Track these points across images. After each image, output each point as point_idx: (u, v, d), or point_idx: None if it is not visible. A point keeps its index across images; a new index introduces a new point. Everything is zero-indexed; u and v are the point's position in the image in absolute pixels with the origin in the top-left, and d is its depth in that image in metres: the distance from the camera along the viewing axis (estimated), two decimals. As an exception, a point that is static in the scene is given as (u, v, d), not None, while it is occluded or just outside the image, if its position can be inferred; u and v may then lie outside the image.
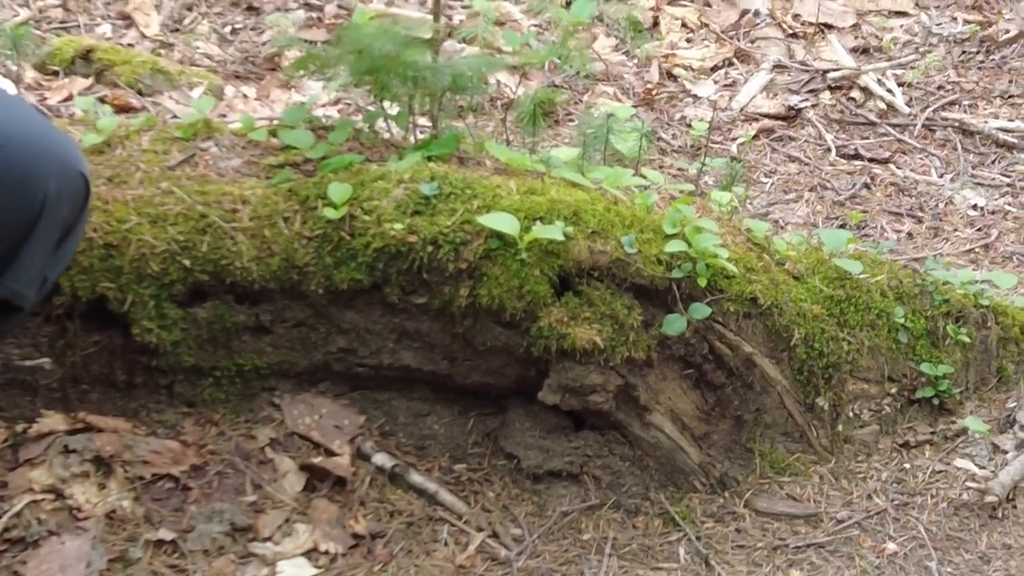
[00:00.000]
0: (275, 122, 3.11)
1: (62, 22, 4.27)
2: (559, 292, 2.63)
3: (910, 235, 3.70)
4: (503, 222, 2.57)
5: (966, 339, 2.98)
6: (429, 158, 2.83)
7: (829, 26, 4.77)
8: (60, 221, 2.09)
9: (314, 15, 4.52)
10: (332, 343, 2.70)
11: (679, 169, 3.78)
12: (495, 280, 2.60)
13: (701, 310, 2.66)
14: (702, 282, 2.67)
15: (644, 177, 3.05)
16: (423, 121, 3.10)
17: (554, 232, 2.58)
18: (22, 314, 2.15)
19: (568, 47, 3.02)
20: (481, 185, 2.67)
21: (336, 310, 2.67)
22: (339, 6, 4.57)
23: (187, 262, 2.58)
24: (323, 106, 3.88)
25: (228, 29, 4.41)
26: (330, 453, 2.68)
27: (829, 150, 4.08)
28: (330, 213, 2.61)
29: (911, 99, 4.37)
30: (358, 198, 2.64)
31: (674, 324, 2.66)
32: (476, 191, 2.65)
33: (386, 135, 3.03)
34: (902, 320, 2.91)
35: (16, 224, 2.04)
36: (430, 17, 3.18)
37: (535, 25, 4.46)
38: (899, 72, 4.51)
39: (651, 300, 2.68)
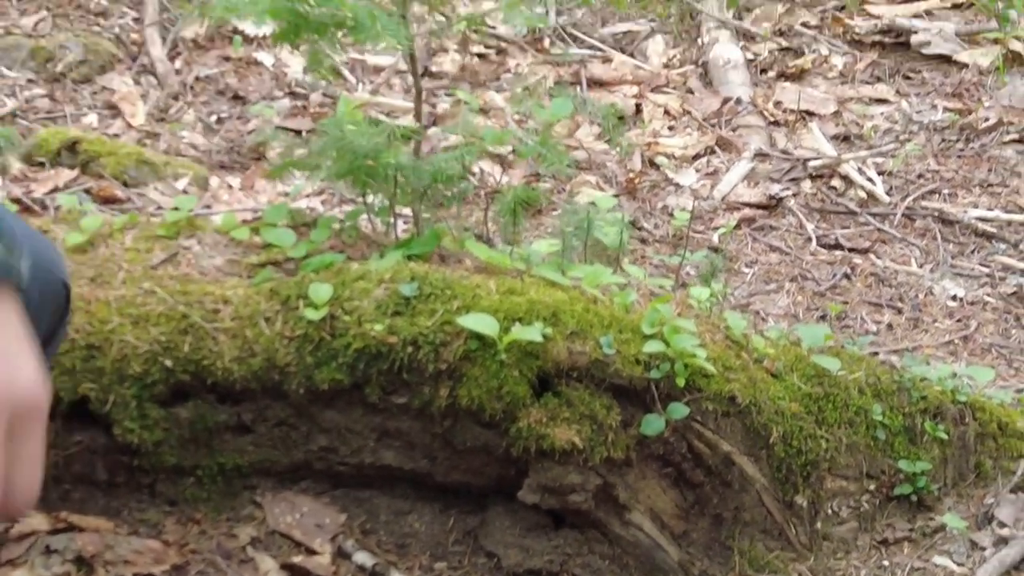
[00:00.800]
0: (258, 215, 3.14)
1: (48, 112, 4.31)
2: (538, 393, 2.65)
3: (890, 326, 3.73)
4: (483, 323, 2.59)
5: (944, 436, 3.00)
6: (410, 257, 2.85)
7: (811, 113, 4.81)
8: (42, 335, 1.87)
9: (299, 104, 4.55)
10: (313, 442, 2.71)
11: (660, 261, 3.81)
12: (475, 381, 2.62)
13: (679, 410, 2.68)
14: (680, 382, 2.68)
15: (624, 273, 3.07)
16: (407, 212, 3.13)
17: (533, 333, 2.60)
18: None
19: (547, 144, 3.05)
20: (461, 286, 2.69)
21: (317, 409, 2.68)
22: (324, 95, 4.60)
23: (169, 362, 2.59)
24: (307, 196, 3.91)
25: (214, 118, 4.45)
26: (311, 552, 2.69)
27: (810, 240, 4.11)
28: (311, 314, 2.63)
29: (891, 188, 4.40)
30: (339, 298, 2.66)
31: (652, 424, 2.67)
32: (456, 292, 2.67)
33: (368, 230, 3.05)
34: (880, 417, 2.93)
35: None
36: (412, 106, 3.21)
37: (518, 113, 4.50)
38: (879, 160, 4.55)
39: (630, 400, 2.70)
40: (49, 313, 2.07)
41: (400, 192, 2.97)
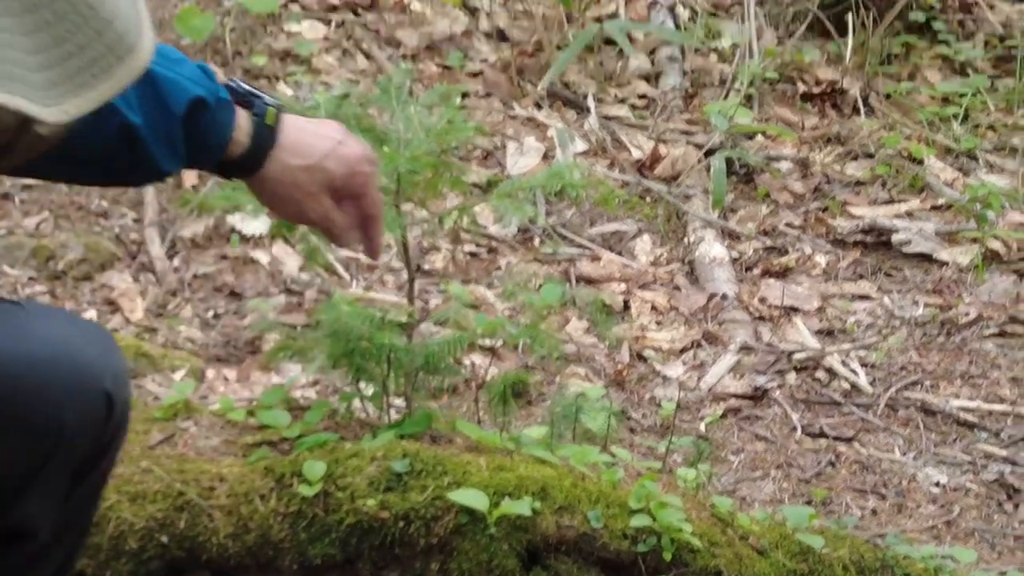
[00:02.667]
0: (254, 403, 3.22)
1: (49, 307, 4.40)
2: (527, 566, 2.71)
3: (874, 512, 3.79)
4: (473, 498, 2.67)
5: (927, 612, 3.04)
6: (402, 436, 2.92)
7: (795, 309, 4.91)
8: (78, 453, 1.97)
9: (294, 300, 4.65)
10: (306, 616, 2.76)
11: (648, 448, 3.88)
12: (465, 555, 2.68)
13: (666, 583, 2.74)
14: (667, 556, 2.75)
15: (612, 455, 3.15)
16: (399, 401, 3.20)
17: (522, 507, 2.67)
18: (35, 544, 2.02)
19: (538, 329, 3.14)
20: (452, 462, 2.77)
21: (310, 584, 2.74)
22: (319, 291, 4.70)
23: (165, 539, 2.66)
24: (301, 387, 3.99)
25: (211, 314, 4.54)
26: None
27: (795, 429, 4.18)
28: (305, 490, 2.70)
29: (874, 379, 4.49)
30: (332, 475, 2.73)
31: (640, 597, 2.73)
32: (447, 468, 2.75)
33: (361, 415, 3.13)
34: (864, 594, 2.98)
35: (19, 464, 1.92)
36: (406, 301, 3.31)
37: (509, 308, 4.60)
38: (863, 353, 4.64)
39: (618, 573, 2.76)
40: (87, 432, 1.96)
41: (393, 375, 3.05)
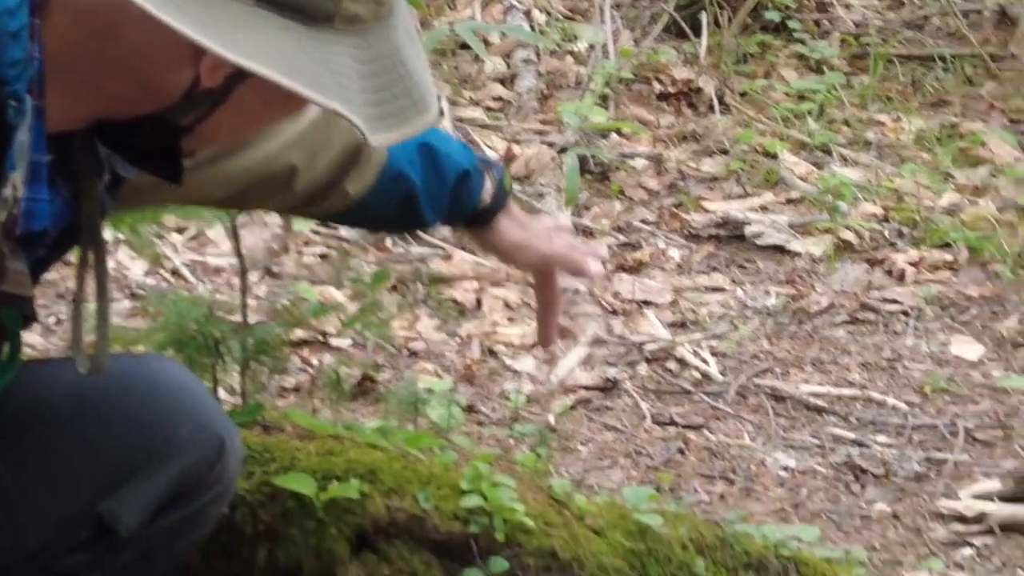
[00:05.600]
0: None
1: None
2: (357, 550, 2.67)
3: (722, 496, 3.78)
4: (300, 482, 2.62)
5: (768, 589, 3.03)
6: (232, 425, 2.87)
7: (648, 303, 4.91)
8: (179, 470, 2.20)
9: (139, 305, 4.57)
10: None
11: (496, 439, 3.85)
12: (293, 541, 2.64)
13: (499, 564, 2.70)
14: (500, 536, 2.71)
15: (451, 443, 3.11)
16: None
17: (350, 491, 2.62)
18: (116, 541, 2.19)
19: (369, 315, 3.11)
20: (279, 448, 2.72)
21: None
22: (161, 293, 4.63)
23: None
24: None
25: (53, 320, 4.46)
26: None
27: (645, 418, 4.17)
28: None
29: (725, 368, 4.49)
30: (158, 465, 2.67)
31: (473, 579, 2.69)
32: (274, 454, 2.70)
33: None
34: (703, 572, 2.96)
35: (124, 456, 2.17)
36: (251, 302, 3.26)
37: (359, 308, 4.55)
38: (714, 343, 4.64)
39: (450, 556, 2.72)
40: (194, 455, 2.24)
41: (223, 363, 3.00)
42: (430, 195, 2.36)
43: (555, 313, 2.60)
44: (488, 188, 2.41)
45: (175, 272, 4.78)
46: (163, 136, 1.79)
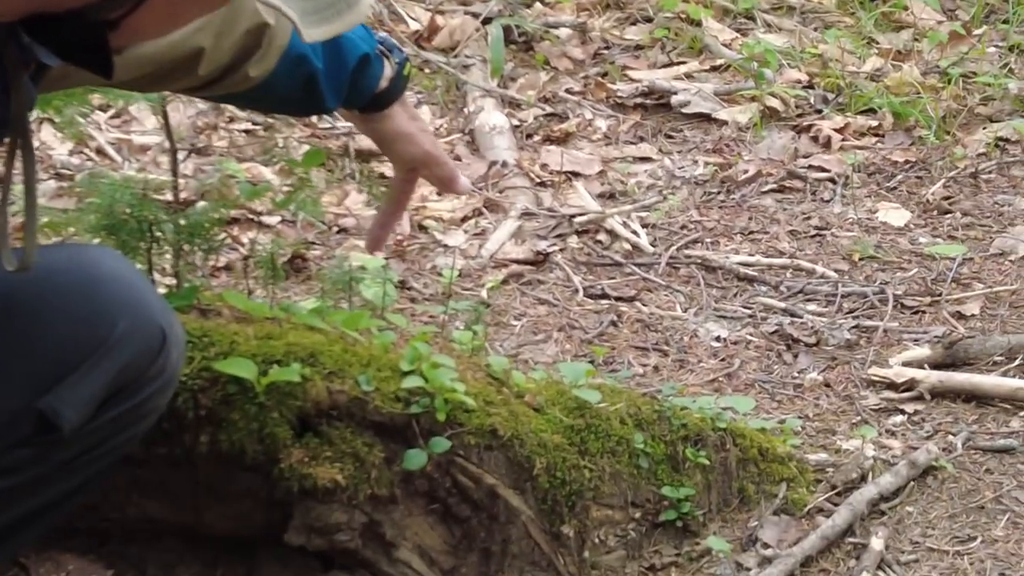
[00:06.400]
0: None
1: None
2: (299, 433, 2.67)
3: (656, 368, 3.80)
4: (240, 367, 2.61)
5: (706, 462, 3.06)
6: (168, 310, 2.85)
7: (576, 174, 4.90)
8: (120, 364, 2.19)
9: (65, 185, 4.52)
10: (74, 499, 2.69)
11: (429, 316, 3.85)
12: (234, 425, 2.64)
13: (441, 444, 2.71)
14: (441, 416, 2.72)
15: (387, 321, 3.10)
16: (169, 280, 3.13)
17: (291, 374, 2.62)
18: (59, 436, 2.17)
19: (301, 193, 3.09)
20: (218, 333, 2.70)
21: (77, 466, 2.66)
22: (91, 175, 4.57)
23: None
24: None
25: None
26: (78, 611, 2.67)
27: (577, 291, 4.18)
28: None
29: (655, 239, 4.50)
30: (95, 352, 2.65)
31: (414, 459, 2.70)
32: (213, 339, 2.68)
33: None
34: (642, 446, 2.99)
35: (65, 350, 2.16)
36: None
37: (288, 185, 4.51)
38: (644, 215, 4.65)
39: (392, 437, 2.73)
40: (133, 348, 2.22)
41: (156, 247, 2.98)
42: (330, 78, 2.36)
43: (399, 218, 2.68)
44: (387, 74, 2.41)
45: (100, 151, 4.73)
46: (90, 30, 1.74)
